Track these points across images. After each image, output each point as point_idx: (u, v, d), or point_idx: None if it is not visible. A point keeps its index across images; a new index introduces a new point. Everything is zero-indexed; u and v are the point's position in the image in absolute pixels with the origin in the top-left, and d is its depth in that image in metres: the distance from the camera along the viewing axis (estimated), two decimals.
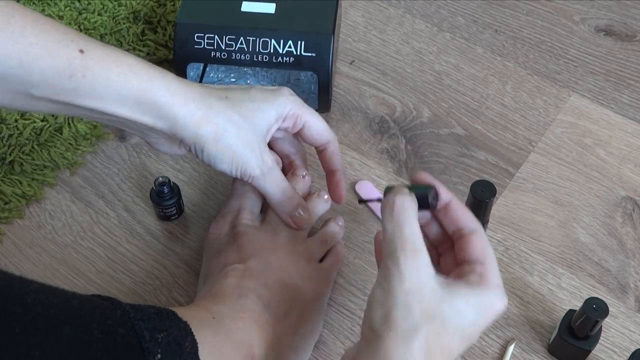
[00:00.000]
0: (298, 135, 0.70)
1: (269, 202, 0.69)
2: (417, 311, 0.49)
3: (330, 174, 0.72)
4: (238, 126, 0.63)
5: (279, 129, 0.68)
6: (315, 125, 0.68)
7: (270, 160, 0.66)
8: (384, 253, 0.52)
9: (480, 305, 0.51)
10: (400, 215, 0.52)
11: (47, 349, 0.47)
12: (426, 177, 0.56)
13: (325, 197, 0.71)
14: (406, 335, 0.49)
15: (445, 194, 0.56)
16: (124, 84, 0.57)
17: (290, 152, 0.73)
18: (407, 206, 0.53)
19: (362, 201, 0.69)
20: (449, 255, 0.57)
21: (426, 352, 0.49)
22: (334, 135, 0.70)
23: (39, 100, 0.57)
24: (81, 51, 0.56)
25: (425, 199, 0.54)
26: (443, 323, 0.50)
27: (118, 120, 0.60)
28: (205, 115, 0.62)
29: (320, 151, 0.71)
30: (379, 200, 0.57)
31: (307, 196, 0.72)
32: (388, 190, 0.55)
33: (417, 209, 0.53)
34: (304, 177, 0.72)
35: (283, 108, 0.66)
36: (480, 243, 0.54)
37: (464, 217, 0.55)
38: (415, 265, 0.50)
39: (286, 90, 0.68)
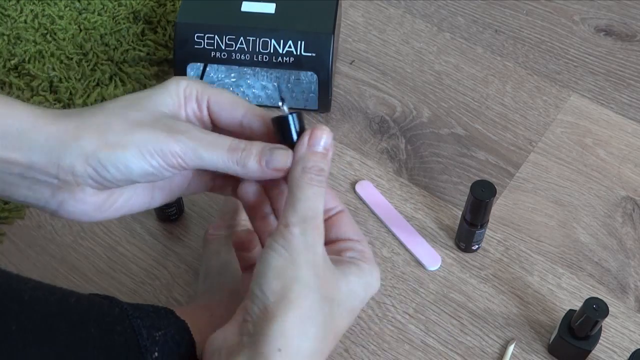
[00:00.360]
0: (213, 120, 0.55)
1: (214, 169, 0.53)
2: (318, 291, 0.47)
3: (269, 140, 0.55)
4: (124, 116, 0.50)
5: (187, 120, 0.54)
6: (222, 95, 0.54)
7: (185, 125, 0.51)
8: (289, 215, 0.48)
9: (367, 284, 0.52)
10: (320, 186, 0.49)
11: (44, 346, 0.47)
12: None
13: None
14: (305, 318, 0.46)
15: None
16: None
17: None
18: (318, 186, 0.49)
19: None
20: None
21: (322, 337, 0.47)
22: (252, 105, 0.56)
23: None
24: None
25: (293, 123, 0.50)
26: (339, 305, 0.49)
27: None
28: (79, 124, 0.49)
29: (243, 128, 0.55)
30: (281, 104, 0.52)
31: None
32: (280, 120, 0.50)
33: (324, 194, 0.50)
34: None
35: (176, 87, 0.53)
36: (351, 221, 0.54)
37: (330, 200, 0.53)
38: (319, 241, 0.48)
39: (174, 77, 0.55)
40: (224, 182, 0.57)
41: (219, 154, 0.51)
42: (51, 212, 0.52)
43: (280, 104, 0.53)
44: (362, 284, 0.51)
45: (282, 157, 0.51)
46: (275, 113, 0.51)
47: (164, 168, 0.50)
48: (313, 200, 0.48)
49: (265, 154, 0.51)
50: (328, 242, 0.52)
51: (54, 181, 0.49)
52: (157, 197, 0.54)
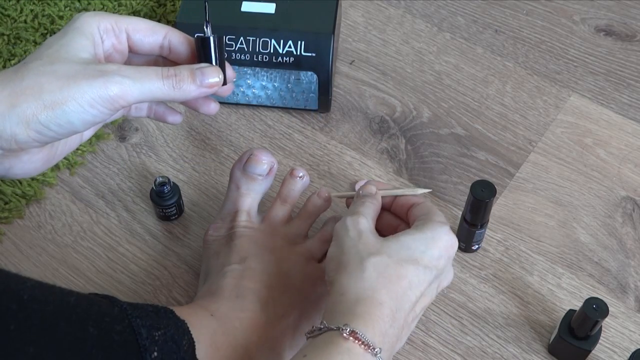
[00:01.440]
0: (132, 48, 0.58)
1: (153, 99, 0.55)
2: (363, 250, 0.57)
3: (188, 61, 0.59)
4: (54, 72, 0.50)
5: (107, 55, 0.57)
6: (139, 22, 0.57)
7: (110, 67, 0.52)
8: (337, 223, 0.62)
9: (426, 237, 0.58)
10: (361, 199, 0.63)
11: (42, 345, 0.47)
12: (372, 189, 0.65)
13: (326, 195, 0.71)
14: (355, 270, 0.56)
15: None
16: None
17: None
18: (369, 200, 0.63)
19: (340, 196, 0.69)
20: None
21: (378, 278, 0.55)
22: (170, 27, 0.59)
23: None
24: None
25: None
26: (390, 256, 0.56)
27: None
28: (10, 92, 0.49)
29: (168, 53, 0.58)
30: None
31: (308, 197, 0.72)
32: None
33: (377, 208, 0.64)
34: (301, 177, 0.71)
35: (88, 26, 0.54)
36: (425, 205, 0.63)
37: (411, 199, 0.65)
38: (360, 224, 0.59)
39: (84, 13, 0.55)
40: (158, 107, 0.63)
41: (156, 84, 0.53)
42: (1, 177, 0.53)
43: (204, 26, 0.57)
44: (417, 239, 0.58)
45: (212, 72, 0.55)
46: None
47: (106, 113, 0.52)
48: (355, 205, 0.63)
49: (197, 74, 0.54)
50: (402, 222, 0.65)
51: None
52: (91, 130, 0.58)
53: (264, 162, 0.69)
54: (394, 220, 0.66)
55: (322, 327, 0.53)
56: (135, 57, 0.60)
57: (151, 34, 0.57)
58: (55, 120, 0.50)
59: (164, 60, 0.60)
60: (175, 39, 0.58)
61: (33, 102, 0.49)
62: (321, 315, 0.66)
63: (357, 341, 0.52)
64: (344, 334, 0.52)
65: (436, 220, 0.60)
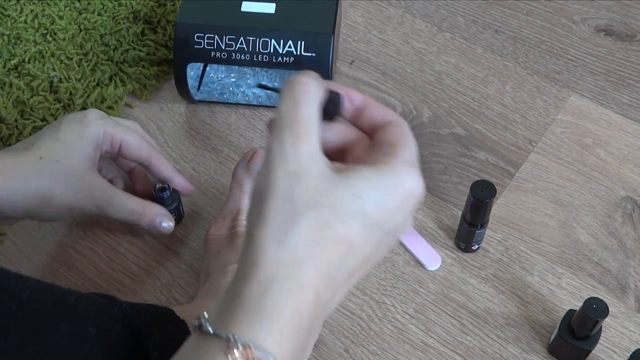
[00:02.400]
0: (120, 156, 0.72)
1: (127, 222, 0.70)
2: (299, 198, 0.41)
3: (166, 180, 0.74)
4: (59, 180, 0.65)
5: (101, 156, 0.70)
6: (132, 141, 0.70)
7: (103, 192, 0.67)
8: (271, 134, 0.43)
9: (385, 184, 0.42)
10: (301, 94, 0.43)
11: (42, 345, 0.47)
12: (336, 86, 0.47)
13: None
14: (282, 229, 0.40)
15: (359, 98, 0.47)
16: None
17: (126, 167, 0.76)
18: (309, 87, 0.44)
19: (260, 86, 0.55)
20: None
21: (309, 246, 0.41)
22: (155, 147, 0.74)
23: None
24: None
25: (326, 107, 0.45)
26: (335, 210, 0.41)
27: None
28: (25, 189, 0.64)
29: (147, 168, 0.73)
30: (278, 91, 0.46)
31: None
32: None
33: (320, 97, 0.45)
34: None
35: (96, 134, 0.68)
36: (397, 130, 0.46)
37: (385, 113, 0.47)
38: (303, 148, 0.42)
39: (93, 115, 0.69)
40: None
41: (125, 215, 0.68)
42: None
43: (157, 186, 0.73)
44: (373, 185, 0.42)
45: (167, 226, 0.70)
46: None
47: (87, 213, 0.68)
48: (292, 112, 0.43)
49: (156, 221, 0.69)
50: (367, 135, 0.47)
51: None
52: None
53: None
54: (352, 132, 0.47)
55: (206, 325, 0.41)
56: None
57: (138, 152, 0.71)
58: (54, 214, 0.67)
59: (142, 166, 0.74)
60: (154, 162, 0.72)
61: (43, 201, 0.65)
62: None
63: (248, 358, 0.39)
64: (233, 354, 0.38)
65: (402, 158, 0.44)
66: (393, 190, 0.43)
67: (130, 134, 0.70)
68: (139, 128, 0.74)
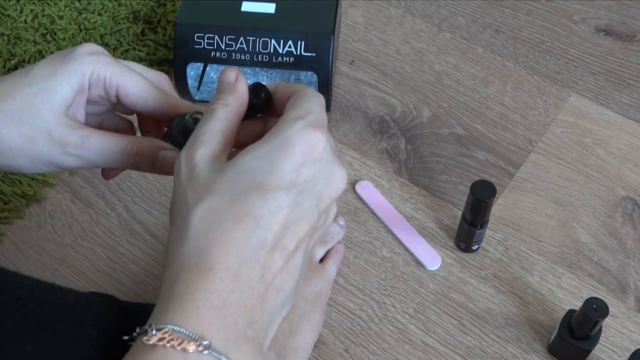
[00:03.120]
0: (120, 102, 0.55)
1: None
2: (191, 197, 0.42)
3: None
4: (16, 127, 0.51)
5: (92, 102, 0.55)
6: (133, 86, 0.54)
7: (72, 135, 0.52)
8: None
9: (272, 148, 0.42)
10: (207, 113, 0.45)
11: (40, 344, 0.47)
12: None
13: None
14: (181, 228, 0.42)
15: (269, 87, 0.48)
16: None
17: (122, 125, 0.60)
18: (218, 105, 0.45)
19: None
20: None
21: (205, 233, 0.41)
22: (165, 86, 0.58)
23: None
24: None
25: (253, 105, 0.47)
26: (224, 193, 0.41)
27: None
28: None
29: (157, 119, 0.57)
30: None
31: None
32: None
33: (233, 108, 0.45)
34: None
35: (79, 74, 0.52)
36: (295, 96, 0.45)
37: (289, 89, 0.47)
38: (195, 155, 0.43)
39: (82, 49, 0.53)
40: None
41: (114, 158, 0.53)
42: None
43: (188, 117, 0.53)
44: (260, 156, 0.42)
45: (170, 160, 0.52)
46: None
47: (58, 171, 0.54)
48: (200, 124, 0.45)
49: (158, 159, 0.53)
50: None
51: None
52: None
53: None
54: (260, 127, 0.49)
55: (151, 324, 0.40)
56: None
57: (142, 102, 0.54)
58: (5, 167, 0.52)
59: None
60: (169, 110, 0.55)
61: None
62: (322, 317, 0.66)
63: (169, 343, 0.38)
64: (149, 341, 0.39)
65: (287, 117, 0.43)
66: (283, 152, 0.42)
67: (131, 76, 0.54)
68: (157, 76, 0.58)
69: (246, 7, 0.81)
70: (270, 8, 0.81)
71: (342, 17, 0.94)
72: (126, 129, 0.59)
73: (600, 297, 0.64)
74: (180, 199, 0.42)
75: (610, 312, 0.62)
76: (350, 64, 0.90)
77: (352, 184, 0.79)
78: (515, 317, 0.70)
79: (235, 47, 0.80)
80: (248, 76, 0.86)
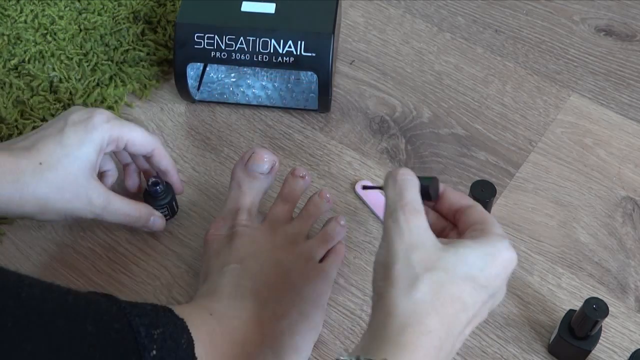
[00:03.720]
0: (125, 151, 0.72)
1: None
2: (417, 264, 0.50)
3: (163, 174, 0.74)
4: (59, 193, 0.65)
5: (105, 154, 0.70)
6: (138, 139, 0.70)
7: (100, 199, 0.67)
8: (385, 215, 0.53)
9: (486, 253, 0.52)
10: (402, 183, 0.53)
11: (40, 343, 0.47)
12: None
13: (327, 196, 0.71)
14: (407, 287, 0.49)
15: (440, 186, 0.58)
16: None
17: (127, 161, 0.76)
18: (408, 177, 0.54)
19: (366, 187, 0.66)
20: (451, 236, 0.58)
21: (431, 301, 0.49)
22: (157, 140, 0.72)
23: None
24: None
25: (426, 189, 0.56)
26: (447, 273, 0.50)
27: None
28: (21, 195, 0.64)
29: (148, 158, 0.73)
30: (381, 188, 0.57)
31: (309, 197, 0.72)
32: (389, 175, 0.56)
33: (418, 184, 0.55)
34: (302, 177, 0.72)
35: (101, 140, 0.67)
36: (479, 211, 0.56)
37: (461, 198, 0.58)
38: (415, 223, 0.52)
39: (99, 118, 0.67)
40: None
41: (121, 220, 0.70)
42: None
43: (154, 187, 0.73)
44: (476, 253, 0.51)
45: (158, 225, 0.73)
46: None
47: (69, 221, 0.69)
48: (398, 196, 0.53)
49: (150, 222, 0.72)
50: (460, 232, 0.56)
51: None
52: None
53: (266, 160, 0.69)
54: (438, 220, 0.59)
55: (358, 357, 0.48)
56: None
57: (142, 148, 0.70)
58: (31, 217, 0.67)
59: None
60: (156, 153, 0.72)
61: (38, 208, 0.66)
62: (322, 317, 0.67)
63: None
64: None
65: (495, 232, 0.54)
66: (493, 258, 0.52)
67: (136, 131, 0.69)
68: None
69: (246, 7, 0.81)
70: (270, 8, 0.81)
71: (342, 17, 0.94)
72: (112, 172, 0.75)
73: (600, 297, 0.64)
74: (405, 261, 0.50)
75: (610, 312, 0.62)
76: (350, 64, 0.90)
77: (352, 184, 0.79)
78: (515, 317, 0.70)
79: (235, 47, 0.80)
80: (248, 76, 0.86)
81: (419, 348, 0.48)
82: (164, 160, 0.73)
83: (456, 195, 0.58)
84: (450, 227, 0.58)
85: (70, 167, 0.65)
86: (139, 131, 0.70)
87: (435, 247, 0.51)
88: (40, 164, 0.64)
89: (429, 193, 0.56)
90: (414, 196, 0.53)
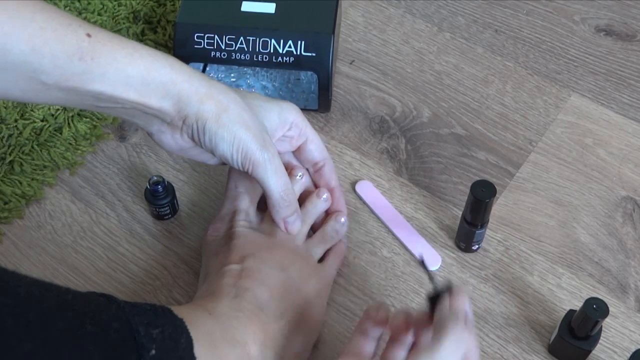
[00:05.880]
0: (298, 152, 0.72)
1: (267, 198, 0.67)
2: None
3: (330, 192, 0.72)
4: (241, 107, 0.63)
5: (284, 136, 0.69)
6: (317, 140, 0.71)
7: (273, 149, 0.65)
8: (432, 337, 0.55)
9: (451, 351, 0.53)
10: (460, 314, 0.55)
11: (39, 341, 0.47)
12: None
13: (324, 196, 0.71)
14: None
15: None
16: (130, 65, 0.58)
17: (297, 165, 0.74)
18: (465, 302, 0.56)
19: (422, 264, 0.63)
20: None
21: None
22: (328, 154, 0.73)
23: (50, 88, 0.56)
24: (88, 35, 0.56)
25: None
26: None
27: (124, 107, 0.60)
28: (208, 93, 0.61)
29: (317, 170, 0.72)
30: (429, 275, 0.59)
31: (307, 195, 0.72)
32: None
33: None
34: (301, 177, 0.72)
35: (288, 114, 0.68)
36: (439, 315, 0.56)
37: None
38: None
39: (291, 104, 0.70)
40: None
41: (274, 191, 0.65)
42: (148, 134, 0.65)
43: None
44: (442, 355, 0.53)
45: (297, 225, 0.69)
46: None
47: (237, 164, 0.64)
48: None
49: (289, 221, 0.68)
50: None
51: (167, 119, 0.62)
52: (217, 161, 0.68)
53: None
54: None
55: None
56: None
57: (318, 154, 0.72)
58: (211, 135, 0.62)
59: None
60: (327, 168, 0.72)
61: (215, 112, 0.62)
62: (322, 317, 0.66)
63: None
64: None
65: (449, 326, 0.53)
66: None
67: (316, 134, 0.71)
68: None
69: (246, 7, 0.81)
70: (270, 8, 0.81)
71: (342, 17, 0.94)
72: None
73: (600, 297, 0.64)
74: None
75: (610, 312, 0.62)
76: (350, 64, 0.90)
77: (352, 184, 0.79)
78: (515, 317, 0.70)
79: (235, 47, 0.80)
80: (248, 76, 0.86)
81: None
82: (333, 175, 0.73)
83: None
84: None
85: (256, 108, 0.66)
86: (318, 137, 0.72)
87: None
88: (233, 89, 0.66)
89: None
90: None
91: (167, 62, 0.60)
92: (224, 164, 0.67)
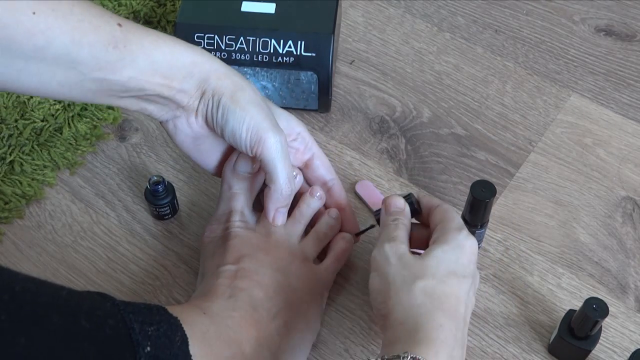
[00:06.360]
0: (306, 169, 0.72)
1: (269, 183, 0.66)
2: (408, 277, 0.58)
3: (340, 211, 0.72)
4: (256, 91, 0.65)
5: (289, 147, 0.69)
6: (323, 157, 0.72)
7: (284, 135, 0.65)
8: (375, 250, 0.62)
9: (453, 248, 0.60)
10: (393, 226, 0.63)
11: (33, 337, 0.47)
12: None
13: (318, 194, 0.71)
14: (407, 299, 0.57)
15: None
16: (157, 50, 0.62)
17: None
18: (402, 217, 0.64)
19: (359, 234, 0.73)
20: None
21: (431, 302, 0.57)
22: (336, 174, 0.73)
23: (84, 79, 0.59)
24: (119, 25, 0.59)
25: (414, 208, 0.66)
26: (434, 277, 0.58)
27: (146, 93, 0.62)
28: (226, 73, 0.64)
29: (327, 190, 0.72)
30: (371, 227, 0.71)
31: (300, 194, 0.72)
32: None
33: (408, 219, 0.65)
34: (295, 176, 0.71)
35: (295, 124, 0.70)
36: (440, 210, 0.64)
37: (429, 202, 0.66)
38: (396, 247, 0.61)
39: (300, 122, 0.71)
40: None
41: (280, 175, 0.65)
42: (162, 123, 0.68)
43: None
44: (446, 250, 0.60)
45: (283, 218, 0.69)
46: None
47: (245, 144, 0.64)
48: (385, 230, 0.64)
49: (277, 214, 0.69)
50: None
51: (185, 101, 0.64)
52: (216, 162, 0.71)
53: (252, 160, 0.69)
54: (423, 231, 0.66)
55: (382, 358, 0.53)
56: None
57: (325, 170, 0.72)
58: (225, 110, 0.64)
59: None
60: (335, 187, 0.73)
61: (231, 90, 0.64)
62: (320, 317, 0.67)
63: None
64: None
65: (453, 227, 0.61)
66: (461, 251, 0.60)
67: (323, 153, 0.72)
68: None
69: (246, 7, 0.81)
70: (270, 8, 0.81)
71: (342, 17, 0.94)
72: None
73: (600, 297, 0.64)
74: (398, 278, 0.59)
75: (610, 312, 0.62)
76: (350, 64, 0.90)
77: (352, 184, 0.79)
78: (515, 317, 0.70)
79: (235, 47, 0.80)
80: (248, 76, 0.86)
81: (435, 341, 0.54)
82: (343, 195, 0.73)
83: (425, 200, 0.66)
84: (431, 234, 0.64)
85: (274, 109, 0.68)
86: (326, 158, 0.73)
87: (416, 262, 0.60)
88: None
89: (417, 209, 0.66)
90: (401, 234, 0.62)
91: (188, 46, 0.64)
92: (223, 165, 0.68)
